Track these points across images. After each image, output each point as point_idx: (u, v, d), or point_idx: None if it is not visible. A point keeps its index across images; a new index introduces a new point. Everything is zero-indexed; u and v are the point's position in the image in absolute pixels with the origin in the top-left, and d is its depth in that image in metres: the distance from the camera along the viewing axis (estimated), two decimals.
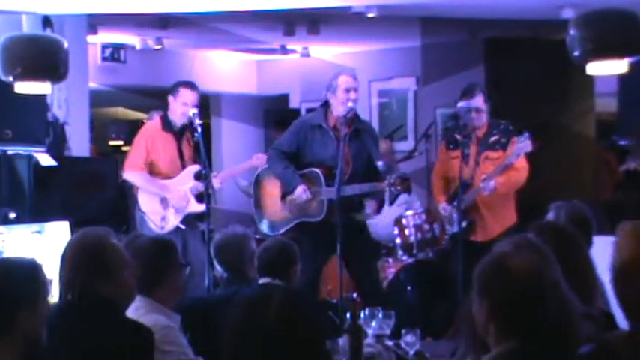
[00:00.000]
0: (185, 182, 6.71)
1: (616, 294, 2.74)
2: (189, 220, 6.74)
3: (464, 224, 6.50)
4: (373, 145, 6.43)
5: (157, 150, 6.71)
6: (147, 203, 6.71)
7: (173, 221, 6.66)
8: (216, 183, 6.62)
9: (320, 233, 6.26)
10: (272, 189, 6.63)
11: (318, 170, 6.32)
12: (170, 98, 6.73)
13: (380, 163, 6.24)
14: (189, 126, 6.64)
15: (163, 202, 6.68)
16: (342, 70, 6.55)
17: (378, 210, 6.58)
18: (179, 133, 6.75)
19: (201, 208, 6.54)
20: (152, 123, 6.98)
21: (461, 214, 6.36)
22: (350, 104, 6.23)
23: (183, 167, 6.75)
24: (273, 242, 4.79)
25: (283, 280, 4.55)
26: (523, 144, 6.43)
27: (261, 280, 4.60)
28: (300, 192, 6.33)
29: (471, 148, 6.66)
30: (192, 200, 6.68)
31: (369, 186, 6.20)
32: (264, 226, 6.73)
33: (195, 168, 6.70)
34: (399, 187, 6.04)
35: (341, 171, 6.00)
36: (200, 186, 6.57)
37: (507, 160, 6.47)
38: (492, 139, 6.66)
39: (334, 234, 5.94)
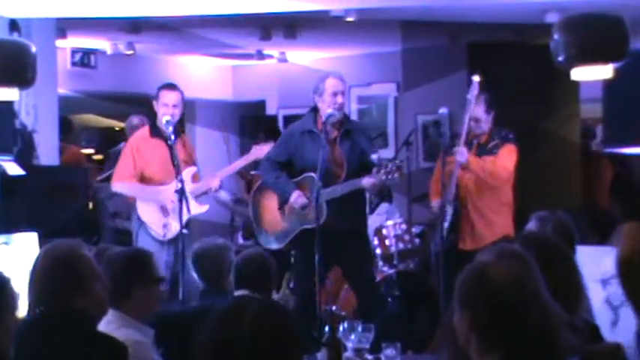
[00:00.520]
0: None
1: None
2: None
3: (446, 225, 6.55)
4: (366, 142, 6.45)
5: (145, 157, 6.80)
6: (146, 213, 6.78)
7: (176, 227, 6.59)
8: (214, 183, 6.81)
9: (320, 243, 6.20)
10: (269, 202, 6.63)
11: (313, 174, 6.32)
12: (154, 103, 6.87)
13: (374, 156, 6.26)
14: (181, 131, 6.72)
15: (163, 209, 6.74)
16: (329, 72, 6.55)
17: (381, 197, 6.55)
18: (169, 138, 6.71)
19: (204, 209, 6.80)
20: (139, 132, 7.12)
21: (444, 218, 6.40)
22: (329, 110, 6.24)
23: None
24: (253, 254, 4.77)
25: (262, 294, 4.54)
26: (473, 88, 6.59)
27: (238, 293, 4.59)
28: (296, 197, 6.34)
29: (470, 154, 6.75)
30: (193, 203, 6.64)
31: (349, 184, 6.19)
32: (266, 241, 6.66)
33: (192, 170, 6.82)
34: (396, 175, 6.03)
35: (320, 178, 6.00)
36: (198, 189, 6.66)
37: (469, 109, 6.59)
38: (491, 144, 6.80)
39: (335, 244, 6.01)
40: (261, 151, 6.99)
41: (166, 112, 6.71)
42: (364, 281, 6.40)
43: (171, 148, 6.60)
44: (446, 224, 6.63)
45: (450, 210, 6.65)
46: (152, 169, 6.79)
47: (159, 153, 6.80)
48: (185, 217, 6.49)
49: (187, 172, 6.77)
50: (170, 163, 6.64)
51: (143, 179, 6.80)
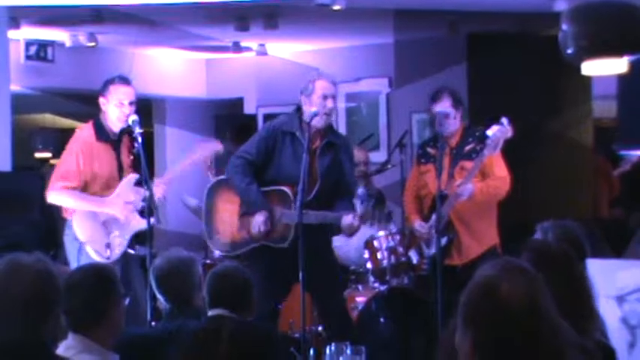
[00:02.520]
0: (126, 194, 6.45)
1: None
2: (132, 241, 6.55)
3: (443, 242, 6.54)
4: (347, 162, 6.45)
5: (92, 165, 6.41)
6: (85, 230, 6.39)
7: (119, 247, 6.42)
8: (158, 191, 6.37)
9: (279, 259, 6.26)
10: (229, 202, 6.58)
11: (285, 188, 6.31)
12: (101, 100, 6.47)
13: (360, 190, 6.29)
14: (128, 133, 6.49)
15: (105, 225, 6.41)
16: (321, 73, 6.57)
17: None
18: (116, 141, 6.51)
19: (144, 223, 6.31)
20: (83, 132, 6.58)
21: (438, 230, 6.38)
22: (313, 109, 6.24)
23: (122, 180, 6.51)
24: (229, 269, 4.70)
25: (240, 313, 4.51)
26: (501, 130, 6.46)
27: (212, 312, 4.55)
28: (259, 222, 6.31)
29: (444, 159, 6.69)
30: (137, 216, 6.44)
31: (324, 216, 6.21)
32: (213, 244, 6.67)
33: (134, 177, 6.44)
34: (377, 223, 6.11)
35: (302, 191, 5.99)
36: (144, 196, 6.39)
37: (484, 152, 6.49)
38: (467, 147, 6.72)
39: (295, 260, 5.95)
40: (206, 149, 6.85)
41: (122, 111, 6.36)
42: (329, 297, 6.43)
43: (128, 150, 6.49)
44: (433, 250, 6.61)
45: (443, 240, 6.60)
46: (98, 179, 6.42)
47: (106, 160, 6.46)
48: (130, 233, 6.43)
49: (127, 180, 6.46)
50: (116, 172, 6.46)
51: (83, 190, 6.40)
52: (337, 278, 6.71)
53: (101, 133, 6.49)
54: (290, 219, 6.21)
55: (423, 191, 6.88)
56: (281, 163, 6.34)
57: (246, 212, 6.45)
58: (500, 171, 6.68)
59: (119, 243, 6.42)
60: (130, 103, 6.41)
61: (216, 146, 6.91)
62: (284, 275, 6.22)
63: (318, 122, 6.25)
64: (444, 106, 6.72)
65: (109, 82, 6.52)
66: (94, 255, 6.35)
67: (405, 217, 7.14)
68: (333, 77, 6.48)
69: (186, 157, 6.88)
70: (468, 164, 6.63)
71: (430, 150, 6.79)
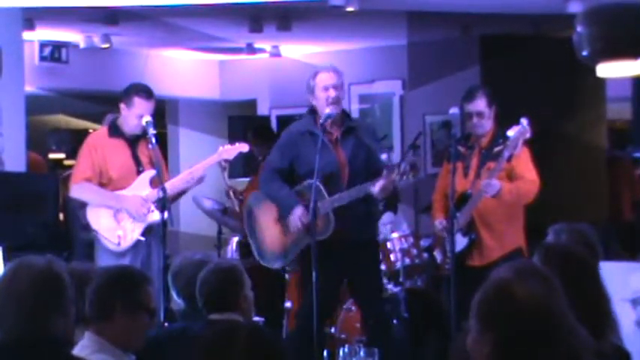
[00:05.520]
0: (141, 189, 6.60)
1: None
2: (151, 229, 6.59)
3: (464, 242, 6.51)
4: (372, 139, 6.43)
5: (105, 158, 6.60)
6: (97, 219, 6.59)
7: (132, 235, 6.53)
8: (198, 172, 6.63)
9: (326, 256, 6.16)
10: (267, 215, 6.55)
11: (316, 182, 6.28)
12: (122, 107, 6.64)
13: (384, 156, 6.22)
14: (143, 135, 6.60)
15: (117, 215, 6.57)
16: (320, 67, 6.53)
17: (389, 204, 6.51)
18: (132, 138, 6.65)
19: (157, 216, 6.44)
20: (97, 132, 6.85)
21: (452, 231, 6.34)
22: (327, 110, 6.21)
23: (140, 174, 6.65)
24: (210, 271, 4.65)
25: (235, 312, 4.48)
26: (520, 131, 6.44)
27: (212, 317, 4.51)
28: (295, 219, 6.28)
29: (473, 159, 6.69)
30: (154, 209, 6.51)
31: (356, 190, 6.16)
32: (268, 261, 6.59)
33: (152, 173, 6.60)
34: (410, 176, 6.01)
35: (315, 185, 5.98)
36: (154, 194, 6.47)
37: (504, 152, 6.46)
38: (496, 149, 6.66)
39: (343, 255, 6.01)
40: (227, 152, 6.89)
41: (140, 123, 6.51)
42: (373, 298, 6.38)
43: (146, 146, 6.56)
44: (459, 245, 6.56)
45: (464, 241, 6.58)
46: (111, 170, 6.59)
47: (119, 153, 6.64)
48: (144, 224, 6.53)
49: (145, 176, 6.62)
50: (132, 164, 6.60)
51: (100, 182, 6.60)
52: (377, 269, 6.64)
53: (115, 130, 6.68)
54: (324, 209, 6.15)
55: (448, 189, 6.82)
56: (307, 160, 6.28)
57: (282, 215, 6.42)
58: (531, 174, 6.63)
59: (131, 232, 6.54)
60: (150, 115, 6.55)
61: (243, 147, 6.94)
62: (333, 271, 6.17)
63: (332, 117, 6.21)
64: (478, 105, 6.68)
65: (133, 93, 6.62)
66: (107, 243, 6.54)
67: (431, 215, 7.09)
68: (333, 67, 6.43)
69: (211, 156, 6.98)
70: (494, 166, 6.59)
71: (461, 148, 6.72)
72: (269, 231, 6.53)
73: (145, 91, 6.67)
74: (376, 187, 6.06)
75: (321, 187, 6.19)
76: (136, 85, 6.83)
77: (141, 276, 4.01)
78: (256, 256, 6.62)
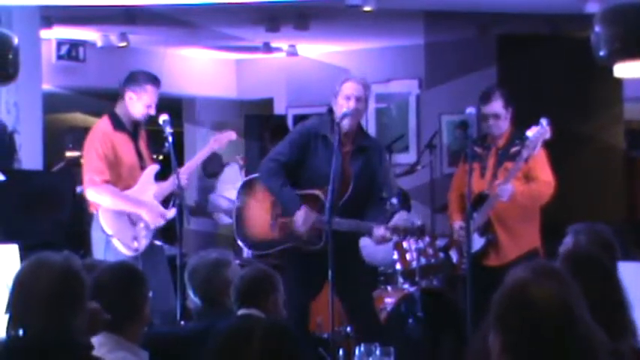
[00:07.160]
0: (147, 188, 6.49)
1: None
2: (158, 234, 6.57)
3: (482, 243, 6.50)
4: (379, 166, 6.40)
5: (116, 155, 6.43)
6: (112, 223, 6.37)
7: (145, 238, 6.42)
8: (182, 179, 6.34)
9: (309, 260, 6.23)
10: (261, 202, 6.53)
11: (317, 192, 6.26)
12: (130, 95, 6.49)
13: (394, 201, 6.20)
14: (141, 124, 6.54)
15: (131, 217, 6.40)
16: (352, 76, 6.50)
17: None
18: (133, 132, 6.55)
19: (171, 213, 6.39)
20: (99, 125, 6.58)
21: (469, 232, 6.33)
22: (344, 109, 6.19)
23: (143, 169, 6.53)
24: (250, 270, 4.80)
25: (262, 311, 4.56)
26: (540, 131, 6.42)
27: (240, 312, 4.62)
28: (301, 221, 6.27)
29: (490, 160, 6.68)
30: (166, 211, 6.47)
31: (357, 224, 6.16)
32: (243, 241, 6.62)
33: (155, 168, 6.52)
34: (415, 239, 6.05)
35: (332, 194, 5.95)
36: (164, 189, 6.44)
37: (522, 152, 6.44)
38: (513, 149, 6.65)
39: (325, 261, 5.93)
40: (219, 141, 6.84)
41: (149, 112, 6.45)
42: (359, 300, 6.40)
43: (136, 141, 6.50)
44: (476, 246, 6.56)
45: (481, 241, 6.58)
46: (121, 169, 6.43)
47: (126, 150, 6.49)
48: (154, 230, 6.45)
49: (150, 172, 6.52)
50: (137, 161, 6.49)
51: (114, 178, 6.41)
52: (364, 279, 6.67)
53: (118, 123, 6.52)
54: (322, 224, 6.15)
55: (464, 189, 6.80)
56: (314, 165, 6.28)
57: (279, 214, 6.41)
58: (546, 176, 6.61)
59: (145, 235, 6.43)
60: (154, 105, 6.50)
61: (230, 136, 6.92)
62: (314, 275, 6.19)
63: (344, 125, 6.18)
64: (494, 107, 6.67)
65: (144, 81, 6.53)
66: (122, 248, 6.35)
67: (448, 215, 7.08)
68: (364, 79, 6.39)
69: (203, 148, 6.94)
70: (512, 166, 6.57)
71: (477, 149, 6.71)
72: (255, 218, 6.52)
73: (156, 79, 6.60)
74: (377, 233, 6.09)
75: (322, 198, 6.18)
76: (144, 72, 6.75)
77: (138, 267, 4.10)
78: (234, 232, 6.59)
